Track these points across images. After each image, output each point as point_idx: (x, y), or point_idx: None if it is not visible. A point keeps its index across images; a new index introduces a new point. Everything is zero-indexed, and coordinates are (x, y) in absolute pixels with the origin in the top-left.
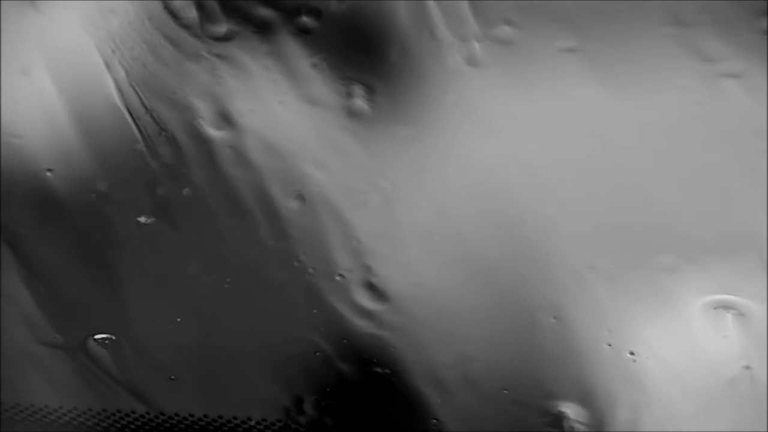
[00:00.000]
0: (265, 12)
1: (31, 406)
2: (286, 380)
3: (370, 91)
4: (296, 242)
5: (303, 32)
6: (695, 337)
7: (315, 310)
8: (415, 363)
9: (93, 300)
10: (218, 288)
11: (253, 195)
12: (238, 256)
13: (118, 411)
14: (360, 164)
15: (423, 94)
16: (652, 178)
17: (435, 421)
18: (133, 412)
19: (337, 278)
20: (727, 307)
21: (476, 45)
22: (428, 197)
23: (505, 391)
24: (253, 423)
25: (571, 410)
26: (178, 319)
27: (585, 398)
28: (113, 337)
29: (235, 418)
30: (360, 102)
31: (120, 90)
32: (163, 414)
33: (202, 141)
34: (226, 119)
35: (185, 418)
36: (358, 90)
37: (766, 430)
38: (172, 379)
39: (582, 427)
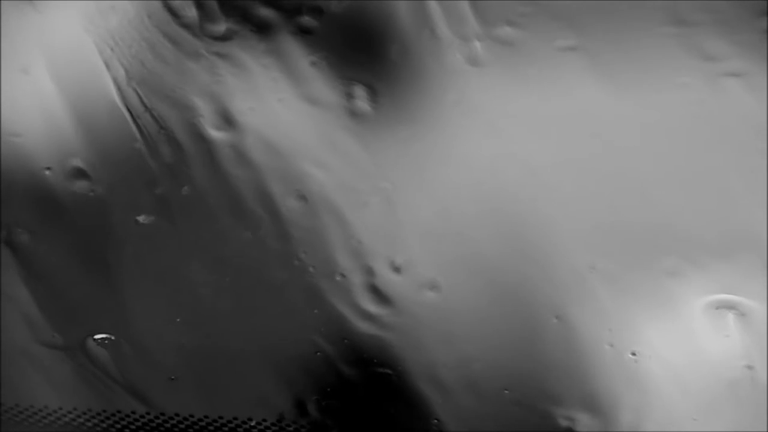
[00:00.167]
0: (264, 11)
1: (30, 407)
2: (287, 380)
3: (371, 91)
4: (297, 242)
5: (303, 32)
6: (696, 337)
7: (315, 311)
8: (416, 363)
9: (92, 299)
10: (218, 288)
11: (253, 194)
12: (238, 255)
13: (118, 411)
14: (360, 164)
15: (424, 93)
16: (653, 178)
17: (435, 421)
18: (133, 413)
19: (338, 278)
20: (728, 306)
21: (477, 44)
22: (429, 197)
23: (506, 392)
24: (253, 423)
25: (571, 411)
26: (178, 319)
27: (586, 399)
28: (112, 337)
29: (235, 419)
30: (360, 101)
31: (119, 88)
32: (163, 414)
33: (201, 140)
34: (225, 118)
35: (185, 419)
36: (358, 89)
37: (767, 430)
38: (172, 379)
39: (583, 428)
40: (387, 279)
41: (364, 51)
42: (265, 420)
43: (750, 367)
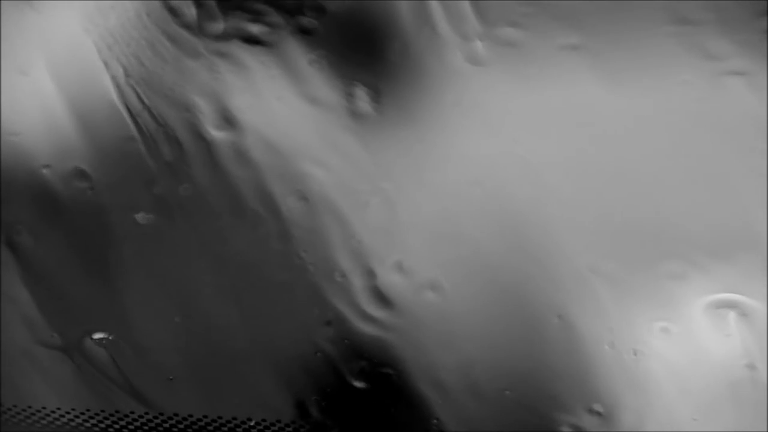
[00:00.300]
0: (264, 11)
1: (29, 407)
2: (287, 381)
3: (371, 90)
4: (297, 242)
5: (303, 31)
6: (697, 337)
7: (316, 311)
8: (416, 363)
9: (91, 299)
10: (218, 288)
11: (253, 193)
12: (238, 255)
13: (117, 411)
14: (361, 163)
15: (424, 93)
16: (654, 177)
17: (436, 421)
18: (132, 413)
19: (338, 278)
20: (729, 306)
21: (478, 44)
22: (430, 196)
23: (507, 392)
24: (252, 423)
25: (572, 411)
26: (177, 319)
27: (587, 399)
28: (110, 337)
29: (235, 419)
30: (361, 101)
31: (118, 87)
32: (162, 414)
33: (201, 138)
34: (225, 117)
35: (184, 419)
36: (359, 89)
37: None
38: (171, 379)
39: (583, 428)
40: (387, 279)
41: (365, 50)
42: (264, 420)
43: (751, 367)
